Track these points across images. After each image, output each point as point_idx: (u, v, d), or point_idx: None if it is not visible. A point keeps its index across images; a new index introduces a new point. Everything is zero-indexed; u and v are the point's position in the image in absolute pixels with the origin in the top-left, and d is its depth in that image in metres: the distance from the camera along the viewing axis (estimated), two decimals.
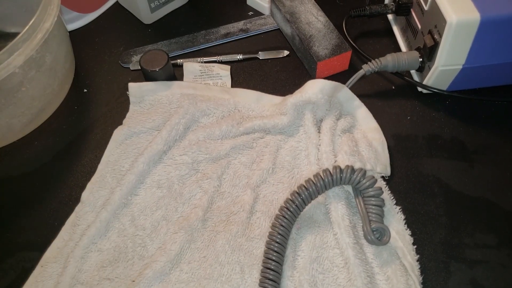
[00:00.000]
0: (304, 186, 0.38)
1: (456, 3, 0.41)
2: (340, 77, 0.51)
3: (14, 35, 0.41)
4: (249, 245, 0.40)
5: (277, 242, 0.37)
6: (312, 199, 0.39)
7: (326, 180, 0.38)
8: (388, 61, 0.46)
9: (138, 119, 0.47)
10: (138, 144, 0.46)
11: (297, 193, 0.38)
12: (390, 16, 0.56)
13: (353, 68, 0.52)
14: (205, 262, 0.39)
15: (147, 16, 0.58)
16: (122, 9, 0.61)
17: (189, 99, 0.48)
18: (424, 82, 0.47)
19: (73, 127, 0.49)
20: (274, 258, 0.36)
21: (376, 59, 0.47)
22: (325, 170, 0.39)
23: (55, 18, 0.44)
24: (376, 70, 0.47)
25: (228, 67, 0.52)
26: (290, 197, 0.38)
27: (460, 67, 0.44)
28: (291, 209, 0.38)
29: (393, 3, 0.51)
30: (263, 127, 0.46)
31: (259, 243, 0.40)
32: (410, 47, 0.51)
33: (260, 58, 0.54)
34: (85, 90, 0.52)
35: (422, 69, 0.47)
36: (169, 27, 0.59)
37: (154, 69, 0.48)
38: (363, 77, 0.47)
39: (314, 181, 0.38)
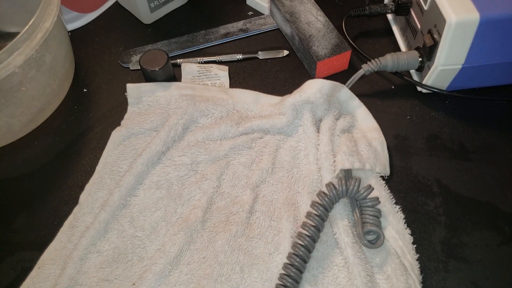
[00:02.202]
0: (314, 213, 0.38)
1: (456, 2, 0.41)
2: (339, 76, 0.51)
3: (14, 35, 0.41)
4: (248, 245, 0.40)
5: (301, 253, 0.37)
6: (323, 221, 0.38)
7: (325, 201, 0.38)
8: (388, 60, 0.46)
9: (136, 120, 0.47)
10: (136, 145, 0.46)
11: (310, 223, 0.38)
12: (389, 16, 0.56)
13: (352, 67, 0.52)
14: (204, 262, 0.39)
15: (147, 16, 0.58)
16: (122, 9, 0.61)
17: (188, 99, 0.48)
18: (424, 82, 0.47)
19: (72, 127, 0.49)
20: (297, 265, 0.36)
21: (376, 59, 0.47)
22: (319, 193, 0.38)
23: (55, 18, 0.44)
24: (376, 69, 0.47)
25: (226, 67, 0.52)
26: (303, 229, 0.38)
27: (460, 66, 0.44)
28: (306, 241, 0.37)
29: (392, 3, 0.51)
30: (262, 127, 0.46)
31: (258, 242, 0.40)
32: (409, 46, 0.51)
33: (260, 58, 0.54)
34: (84, 90, 0.52)
35: (421, 69, 0.47)
36: (168, 27, 0.59)
37: (153, 69, 0.48)
38: (363, 76, 0.47)
39: (316, 212, 0.38)
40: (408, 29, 0.50)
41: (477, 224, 0.41)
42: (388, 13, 0.52)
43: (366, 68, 0.47)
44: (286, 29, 0.54)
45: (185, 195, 0.43)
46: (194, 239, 0.40)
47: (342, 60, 0.51)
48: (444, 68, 0.44)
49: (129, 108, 0.49)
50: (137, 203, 0.42)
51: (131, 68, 0.54)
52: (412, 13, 0.49)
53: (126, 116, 0.48)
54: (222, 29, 0.57)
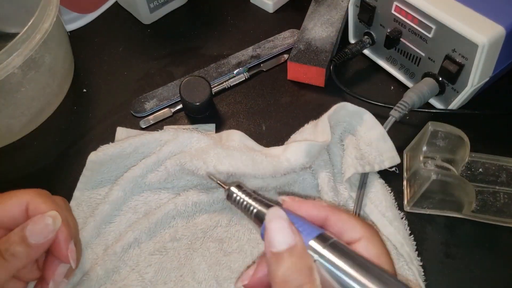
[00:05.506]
0: None
1: (475, 24, 0.40)
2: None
3: (13, 35, 0.42)
4: (226, 259, 0.39)
5: None
6: None
7: None
8: (413, 99, 0.44)
9: (115, 145, 0.44)
10: (116, 171, 0.43)
11: None
12: (366, 51, 0.53)
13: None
14: (181, 281, 0.38)
15: (146, 16, 0.58)
16: (121, 9, 0.61)
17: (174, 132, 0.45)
18: (454, 104, 0.46)
19: (72, 128, 0.49)
20: None
21: (402, 101, 0.44)
22: None
23: (54, 19, 0.44)
24: (406, 112, 0.44)
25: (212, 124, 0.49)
26: None
27: (488, 78, 0.44)
28: None
29: (367, 37, 0.50)
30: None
31: (237, 257, 0.39)
32: (410, 73, 0.49)
33: (265, 70, 0.53)
34: (84, 90, 0.52)
35: (442, 93, 0.46)
36: (168, 27, 0.59)
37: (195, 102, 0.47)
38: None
39: None
40: (403, 57, 0.49)
41: (477, 223, 0.41)
42: (367, 47, 0.51)
43: (396, 114, 0.44)
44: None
45: (158, 214, 0.41)
46: (170, 257, 0.39)
47: (314, 74, 0.50)
48: (477, 86, 0.43)
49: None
50: (112, 230, 0.40)
51: (142, 126, 0.49)
52: (406, 43, 0.47)
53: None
54: (233, 59, 0.54)
